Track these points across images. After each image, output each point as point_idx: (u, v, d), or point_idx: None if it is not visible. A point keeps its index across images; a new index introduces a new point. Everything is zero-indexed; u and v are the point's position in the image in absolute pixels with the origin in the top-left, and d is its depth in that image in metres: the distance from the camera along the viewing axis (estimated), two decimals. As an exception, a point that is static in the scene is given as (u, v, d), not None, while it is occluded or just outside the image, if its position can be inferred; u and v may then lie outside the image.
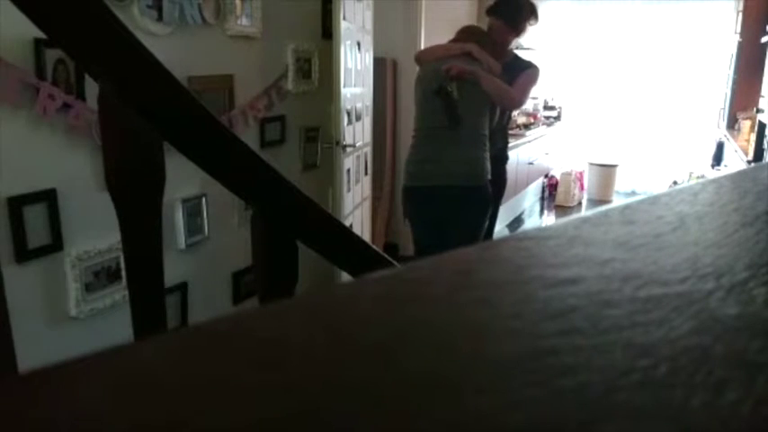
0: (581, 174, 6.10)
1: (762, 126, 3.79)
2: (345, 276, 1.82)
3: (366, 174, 3.40)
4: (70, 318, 1.89)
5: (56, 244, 1.83)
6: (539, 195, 6.15)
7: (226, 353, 0.19)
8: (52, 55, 1.75)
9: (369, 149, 3.42)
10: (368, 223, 3.52)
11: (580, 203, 6.07)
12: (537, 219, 5.74)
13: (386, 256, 1.36)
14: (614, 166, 6.06)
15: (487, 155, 2.61)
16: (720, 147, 5.00)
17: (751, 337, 0.20)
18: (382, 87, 3.94)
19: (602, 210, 0.33)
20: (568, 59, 6.19)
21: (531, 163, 5.05)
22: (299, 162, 2.95)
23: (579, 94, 6.28)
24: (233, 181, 1.01)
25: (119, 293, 1.97)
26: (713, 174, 4.38)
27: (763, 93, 4.46)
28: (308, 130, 2.96)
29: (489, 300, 0.23)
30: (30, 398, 0.17)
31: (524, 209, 5.75)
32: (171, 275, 1.69)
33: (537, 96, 5.84)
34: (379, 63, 3.66)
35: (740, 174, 0.46)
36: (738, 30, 5.03)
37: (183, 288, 2.30)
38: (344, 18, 2.76)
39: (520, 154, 4.68)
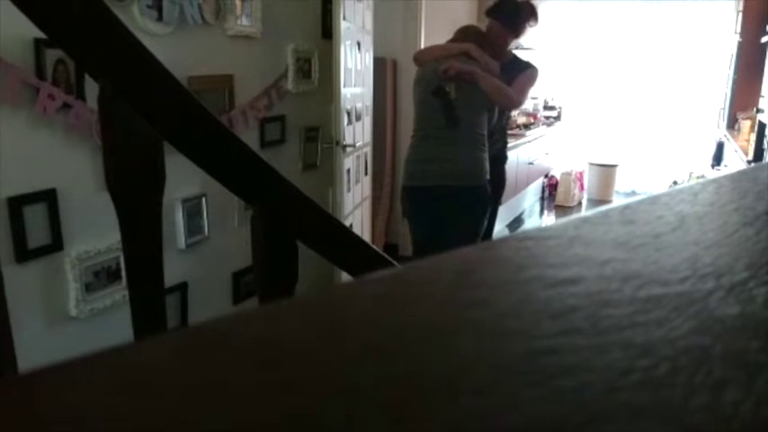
0: (581, 174, 6.10)
1: (762, 126, 3.79)
2: (345, 276, 1.82)
3: (366, 174, 3.40)
4: (70, 318, 1.89)
5: (56, 244, 1.83)
6: (539, 195, 6.15)
7: (225, 353, 0.19)
8: (52, 55, 1.75)
9: (369, 149, 3.42)
10: (368, 223, 3.52)
11: (580, 203, 6.07)
12: (537, 219, 5.74)
13: (386, 256, 1.37)
14: (614, 166, 6.06)
15: (486, 155, 2.61)
16: (720, 147, 5.00)
17: (751, 337, 0.20)
18: (382, 87, 3.94)
19: (602, 210, 0.33)
20: (568, 59, 6.19)
21: (531, 163, 5.05)
22: (299, 162, 2.95)
23: (579, 94, 6.28)
24: (233, 181, 1.01)
25: (119, 293, 1.97)
26: (713, 174, 4.38)
27: (763, 93, 4.46)
28: (308, 130, 2.96)
29: (489, 300, 0.23)
30: (30, 398, 0.17)
31: (524, 209, 5.75)
32: (171, 275, 1.69)
33: (537, 96, 5.84)
34: (379, 63, 3.66)
35: (740, 174, 0.46)
36: (738, 30, 5.03)
37: (183, 288, 2.30)
38: (344, 18, 2.76)
39: (520, 154, 4.68)
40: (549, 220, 5.68)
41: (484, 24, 2.90)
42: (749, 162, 3.79)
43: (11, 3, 0.74)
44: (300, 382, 0.18)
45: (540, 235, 0.30)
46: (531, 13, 2.79)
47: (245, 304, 2.64)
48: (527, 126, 5.29)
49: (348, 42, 2.84)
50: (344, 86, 2.83)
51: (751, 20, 4.88)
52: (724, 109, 5.31)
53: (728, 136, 4.75)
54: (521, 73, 2.75)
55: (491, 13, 2.81)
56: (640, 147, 6.20)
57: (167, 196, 1.00)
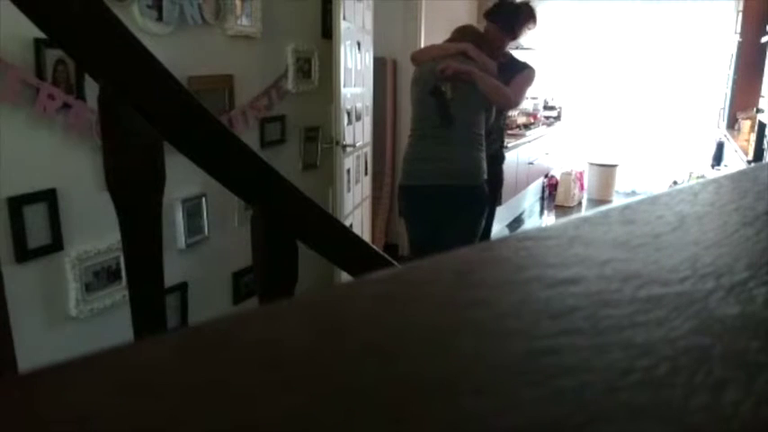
0: (581, 174, 6.10)
1: (762, 126, 3.79)
2: (345, 276, 1.82)
3: (366, 174, 3.40)
4: (70, 318, 1.89)
5: (56, 244, 1.83)
6: (539, 195, 6.15)
7: (225, 353, 0.19)
8: (52, 55, 1.75)
9: (369, 149, 3.42)
10: (368, 223, 3.52)
11: (580, 203, 6.07)
12: (537, 219, 5.74)
13: (386, 256, 1.37)
14: (614, 166, 6.06)
15: (483, 155, 2.61)
16: (720, 147, 5.00)
17: (751, 337, 0.20)
18: (382, 87, 3.95)
19: (602, 210, 0.33)
20: (568, 59, 6.19)
21: (531, 163, 5.05)
22: (299, 162, 2.95)
23: (579, 94, 6.28)
24: (233, 181, 1.01)
25: (119, 293, 1.97)
26: (713, 174, 4.38)
27: (763, 93, 4.46)
28: (308, 129, 2.96)
29: (489, 300, 0.23)
30: (30, 398, 0.17)
31: (524, 209, 5.75)
32: (171, 275, 1.69)
33: (537, 96, 5.84)
34: (379, 63, 3.66)
35: (740, 174, 0.46)
36: (738, 30, 5.03)
37: (183, 288, 2.30)
38: (344, 18, 2.76)
39: (520, 154, 4.68)
40: (549, 220, 5.68)
41: (483, 25, 2.90)
42: (749, 162, 3.79)
43: (11, 3, 0.74)
44: (300, 382, 0.18)
45: (540, 235, 0.30)
46: (529, 16, 2.79)
47: (245, 304, 2.64)
48: (527, 126, 5.29)
49: (348, 42, 2.84)
50: (344, 86, 2.83)
51: (751, 20, 4.88)
52: (724, 109, 5.31)
53: (728, 136, 4.75)
54: (518, 73, 2.75)
55: (489, 15, 2.81)
56: (640, 147, 6.20)
57: (167, 196, 1.00)
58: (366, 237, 3.38)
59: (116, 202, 0.89)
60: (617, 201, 1.83)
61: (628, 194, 6.10)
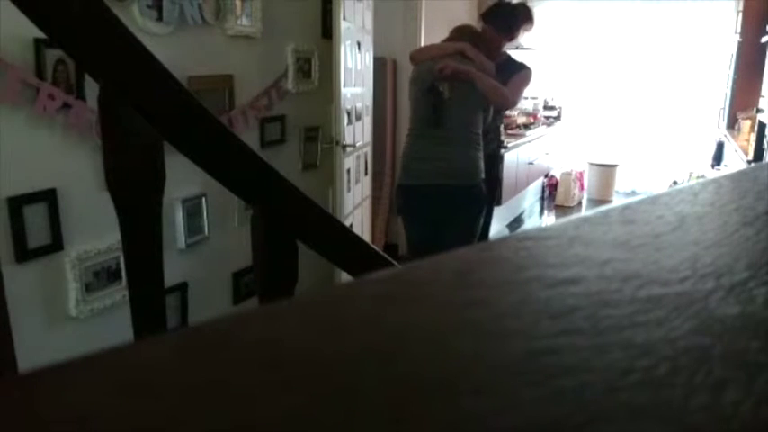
0: (581, 174, 6.10)
1: (762, 126, 3.79)
2: (345, 276, 1.82)
3: (366, 174, 3.40)
4: (70, 318, 1.89)
5: (56, 244, 1.83)
6: (539, 195, 6.15)
7: (225, 353, 0.19)
8: (52, 55, 1.75)
9: (369, 149, 3.42)
10: (368, 223, 3.52)
11: (580, 203, 6.06)
12: (537, 219, 5.74)
13: (386, 256, 1.37)
14: (614, 166, 6.06)
15: (481, 154, 2.62)
16: (720, 147, 5.00)
17: (751, 337, 0.20)
18: (382, 87, 3.95)
19: (602, 210, 0.33)
20: (568, 59, 6.19)
21: (531, 163, 5.05)
22: (299, 162, 2.95)
23: (579, 94, 6.27)
24: (233, 181, 1.01)
25: (119, 293, 1.97)
26: (713, 174, 4.38)
27: (763, 93, 4.45)
28: (308, 129, 2.96)
29: (489, 300, 0.23)
30: (30, 398, 0.17)
31: (524, 209, 5.75)
32: (171, 275, 1.69)
33: (537, 96, 5.84)
34: (379, 63, 3.66)
35: (740, 174, 0.46)
36: (738, 30, 5.03)
37: (183, 288, 2.30)
38: (344, 18, 2.76)
39: (520, 154, 4.68)
40: (549, 220, 5.68)
41: (481, 25, 2.90)
42: (749, 162, 3.79)
43: (11, 3, 0.74)
44: (300, 382, 0.18)
45: (540, 235, 0.30)
46: (526, 18, 2.79)
47: (245, 304, 2.64)
48: (527, 126, 5.28)
49: (348, 42, 2.84)
50: (344, 86, 2.83)
51: (751, 20, 4.88)
52: (724, 109, 5.31)
53: (728, 136, 4.75)
54: (515, 73, 2.76)
55: (485, 17, 2.82)
56: (640, 147, 6.20)
57: (167, 196, 1.00)
58: (366, 237, 3.38)
59: (116, 202, 0.89)
60: (617, 201, 1.83)
61: (628, 194, 6.10)
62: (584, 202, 6.10)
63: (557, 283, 0.24)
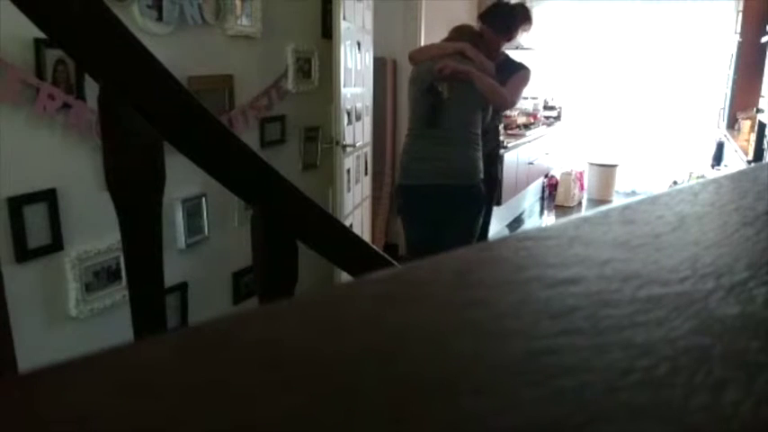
0: (581, 174, 6.10)
1: (762, 126, 3.79)
2: (345, 276, 1.82)
3: (366, 174, 3.40)
4: (70, 318, 1.89)
5: (56, 244, 1.83)
6: (539, 195, 6.15)
7: (225, 353, 0.19)
8: (52, 55, 1.75)
9: (369, 149, 3.42)
10: (368, 223, 3.52)
11: (580, 203, 6.06)
12: (537, 219, 5.74)
13: (386, 256, 1.37)
14: (614, 166, 6.06)
15: (480, 154, 2.62)
16: (720, 147, 5.00)
17: (751, 337, 0.20)
18: (382, 87, 3.94)
19: (602, 210, 0.33)
20: (568, 59, 6.19)
21: (531, 163, 5.05)
22: (299, 162, 2.95)
23: (579, 94, 6.27)
24: (233, 181, 1.01)
25: (119, 293, 1.97)
26: (713, 174, 4.38)
27: (763, 93, 4.45)
28: (308, 129, 2.96)
29: (489, 300, 0.23)
30: (30, 398, 0.17)
31: (524, 209, 5.75)
32: (171, 275, 1.69)
33: (537, 96, 5.84)
34: (379, 63, 3.66)
35: (740, 174, 0.46)
36: (738, 30, 5.03)
37: (183, 288, 2.30)
38: (344, 18, 2.76)
39: (520, 154, 4.68)
40: (549, 220, 5.68)
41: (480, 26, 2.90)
42: (749, 162, 3.79)
43: (11, 3, 0.74)
44: (300, 382, 0.18)
45: (540, 235, 0.30)
46: (524, 18, 2.79)
47: (245, 304, 2.64)
48: (527, 126, 5.28)
49: (348, 42, 2.84)
50: (344, 86, 2.83)
51: (751, 20, 4.88)
52: (724, 109, 5.31)
53: (728, 136, 4.75)
54: (514, 74, 2.76)
55: (483, 18, 2.81)
56: (640, 147, 6.20)
57: (167, 196, 1.00)
58: (366, 237, 3.38)
59: (116, 202, 0.89)
60: (617, 201, 1.83)
61: (628, 194, 6.10)
62: (584, 202, 6.10)
63: (557, 283, 0.24)
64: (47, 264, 1.82)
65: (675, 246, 0.28)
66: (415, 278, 0.25)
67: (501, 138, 3.48)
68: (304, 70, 2.86)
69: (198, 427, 0.16)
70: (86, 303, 1.92)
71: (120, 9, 1.90)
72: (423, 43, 3.83)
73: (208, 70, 2.31)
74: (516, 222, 5.37)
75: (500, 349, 0.20)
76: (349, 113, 2.96)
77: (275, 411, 0.16)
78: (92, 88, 1.65)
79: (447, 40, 2.76)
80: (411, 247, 2.79)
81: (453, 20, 3.59)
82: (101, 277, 1.97)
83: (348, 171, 2.99)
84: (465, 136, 2.57)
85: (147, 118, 0.86)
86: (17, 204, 1.71)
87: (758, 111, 4.26)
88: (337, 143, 2.85)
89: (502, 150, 3.86)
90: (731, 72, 5.13)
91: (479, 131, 2.62)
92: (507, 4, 2.87)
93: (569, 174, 5.94)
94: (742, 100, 4.90)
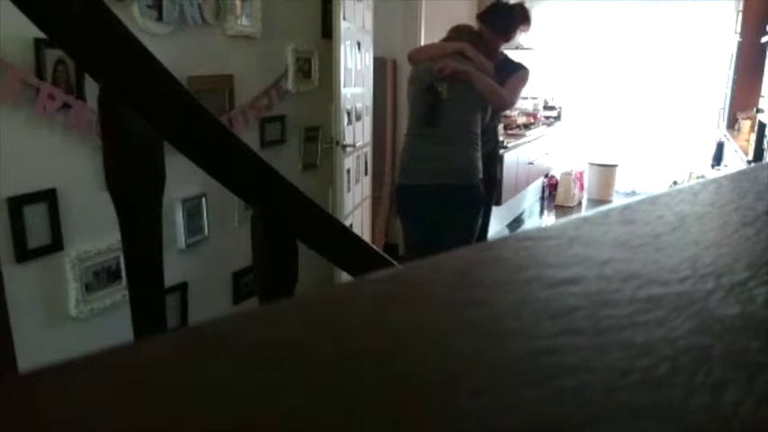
0: (581, 174, 6.10)
1: (762, 126, 3.79)
2: (345, 276, 1.82)
3: (366, 174, 3.40)
4: (70, 318, 1.89)
5: (56, 244, 1.83)
6: (539, 195, 6.15)
7: (225, 353, 0.19)
8: (52, 55, 1.75)
9: (369, 149, 3.42)
10: (368, 223, 3.52)
11: (580, 203, 6.06)
12: (537, 219, 5.74)
13: (386, 256, 1.37)
14: (614, 166, 6.06)
15: (479, 154, 2.62)
16: (720, 147, 5.00)
17: (751, 337, 0.20)
18: (382, 87, 3.94)
19: (602, 210, 0.33)
20: (568, 59, 6.18)
21: (531, 163, 5.05)
22: (299, 162, 2.95)
23: (579, 94, 6.27)
24: (233, 181, 1.01)
25: (119, 293, 1.97)
26: (713, 174, 4.38)
27: (763, 93, 4.45)
28: (308, 129, 2.96)
29: (489, 300, 0.23)
30: (30, 398, 0.17)
31: (524, 209, 5.74)
32: (171, 275, 1.69)
33: (537, 96, 5.84)
34: (379, 63, 3.66)
35: (740, 174, 0.46)
36: (738, 30, 5.03)
37: (183, 288, 2.30)
38: (344, 18, 2.76)
39: (520, 154, 4.68)
40: (549, 220, 5.68)
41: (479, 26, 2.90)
42: (749, 162, 3.79)
43: (11, 3, 0.74)
44: (300, 382, 0.18)
45: (540, 235, 0.30)
46: (522, 18, 2.79)
47: (245, 304, 2.64)
48: (527, 126, 5.28)
49: (348, 42, 2.84)
50: (344, 86, 2.83)
51: (751, 20, 4.88)
52: (724, 109, 5.31)
53: (728, 136, 4.75)
54: (512, 74, 2.76)
55: (482, 18, 2.82)
56: (640, 147, 6.20)
57: (167, 196, 1.00)
58: (366, 237, 3.38)
59: (116, 202, 0.89)
60: (617, 201, 1.83)
61: (628, 194, 6.10)
62: (584, 202, 6.10)
63: (557, 283, 0.24)
64: (47, 264, 1.82)
65: (675, 246, 0.28)
66: (415, 278, 0.25)
67: (500, 138, 3.49)
68: (304, 70, 2.86)
69: (198, 427, 0.16)
70: (86, 303, 1.92)
71: (120, 9, 1.90)
72: (423, 43, 3.83)
73: (208, 70, 2.31)
74: (516, 222, 5.37)
75: (500, 349, 0.20)
76: (349, 113, 2.96)
77: (275, 411, 0.16)
78: (92, 88, 1.65)
79: (446, 39, 2.76)
80: (410, 247, 2.79)
81: (453, 20, 3.59)
82: (101, 277, 1.97)
83: (348, 171, 2.99)
84: (464, 136, 2.57)
85: (147, 118, 0.86)
86: (17, 204, 1.71)
87: (758, 111, 4.26)
88: (337, 143, 2.85)
89: (502, 150, 3.86)
90: (731, 72, 5.13)
91: (479, 131, 2.63)
92: (506, 4, 2.87)
93: (569, 174, 5.94)
94: (742, 100, 4.90)
